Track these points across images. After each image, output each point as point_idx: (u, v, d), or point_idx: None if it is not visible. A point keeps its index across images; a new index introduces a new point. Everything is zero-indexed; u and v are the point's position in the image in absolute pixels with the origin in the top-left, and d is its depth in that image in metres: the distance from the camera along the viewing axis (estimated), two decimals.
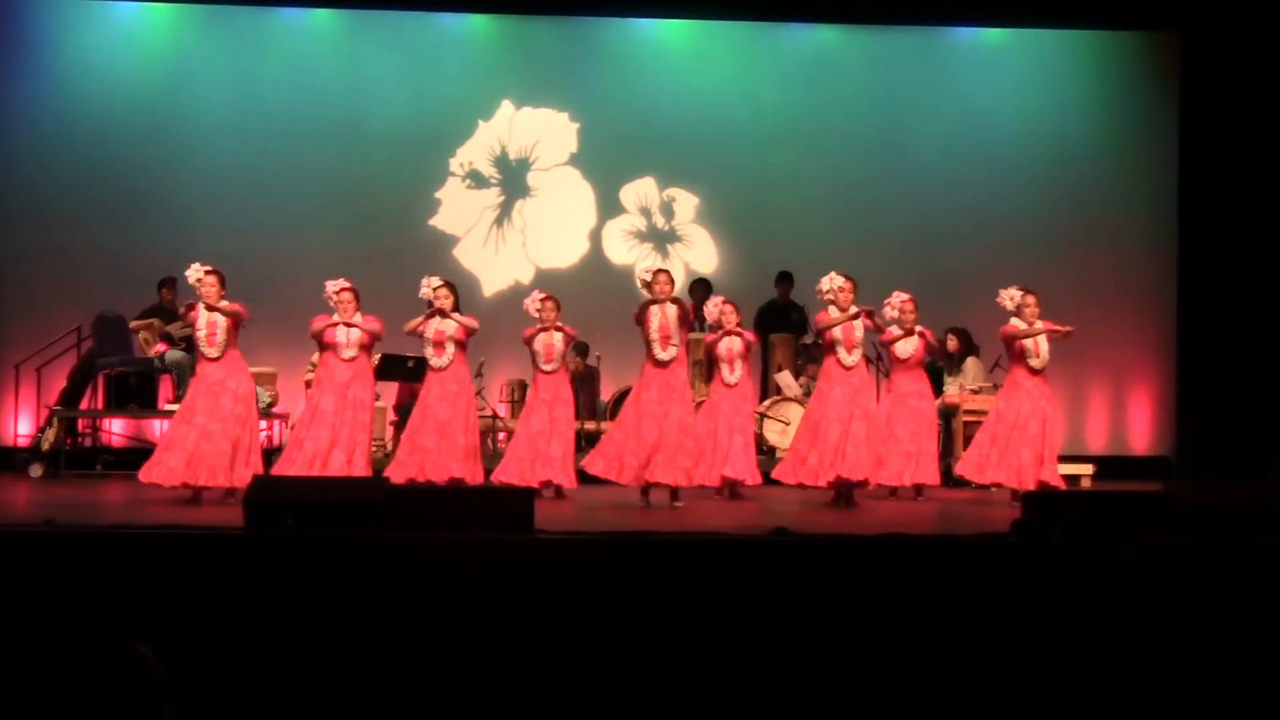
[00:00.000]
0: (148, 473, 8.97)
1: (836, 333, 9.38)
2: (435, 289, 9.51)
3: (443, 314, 9.49)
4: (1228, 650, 5.23)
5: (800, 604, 6.19)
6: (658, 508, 8.90)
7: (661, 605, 6.04)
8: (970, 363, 11.69)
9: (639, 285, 9.42)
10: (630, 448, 9.05)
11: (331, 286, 9.40)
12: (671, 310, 9.15)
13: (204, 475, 8.92)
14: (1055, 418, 9.61)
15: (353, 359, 9.31)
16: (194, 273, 9.20)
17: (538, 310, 9.68)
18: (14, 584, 6.11)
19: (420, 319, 9.51)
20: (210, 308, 9.09)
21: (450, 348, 9.47)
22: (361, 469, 9.13)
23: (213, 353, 9.09)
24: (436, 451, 9.30)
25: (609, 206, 13.18)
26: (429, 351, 9.54)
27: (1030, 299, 9.52)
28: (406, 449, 9.41)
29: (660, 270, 9.34)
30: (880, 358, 10.98)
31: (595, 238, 13.17)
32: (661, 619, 5.86)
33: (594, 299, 12.03)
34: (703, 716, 5.17)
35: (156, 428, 11.63)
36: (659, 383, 9.09)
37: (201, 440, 8.93)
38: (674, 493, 9.09)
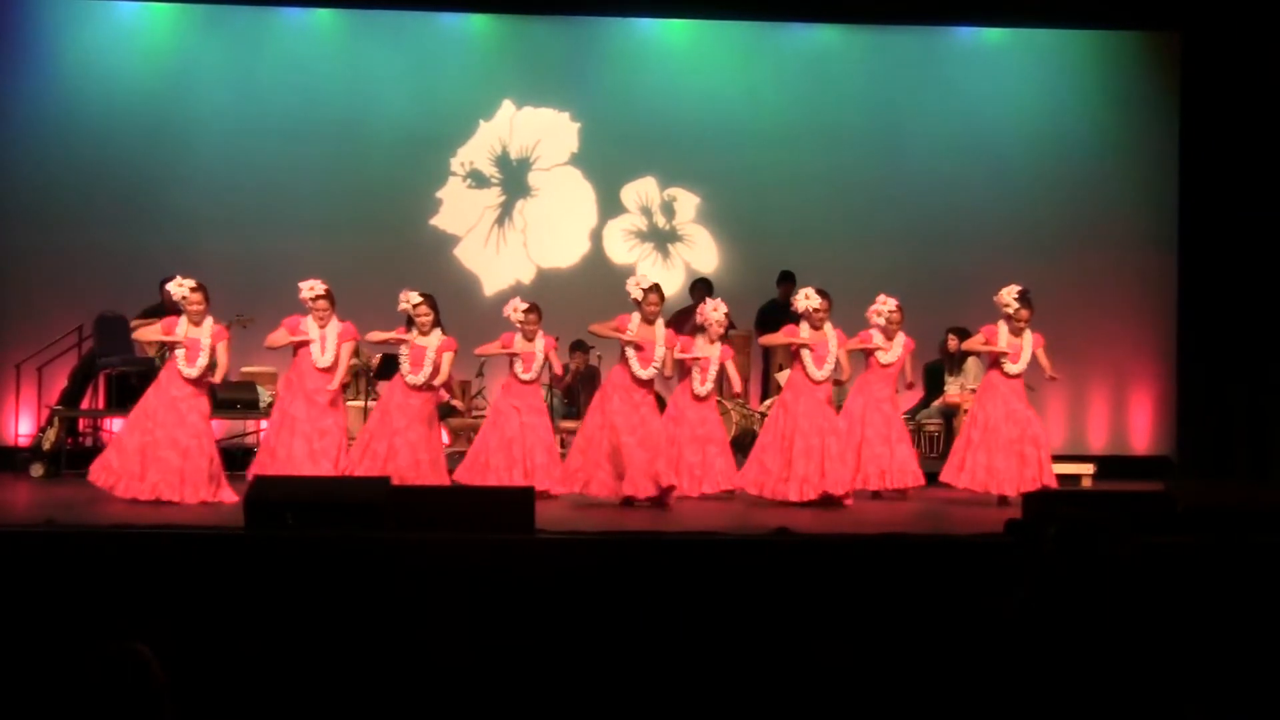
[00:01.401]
0: (98, 474, 8.89)
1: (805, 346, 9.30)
2: (415, 305, 9.24)
3: (422, 333, 9.24)
4: (1227, 650, 5.24)
5: (801, 604, 6.20)
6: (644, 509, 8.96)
7: (662, 605, 6.05)
8: (971, 363, 11.70)
9: (630, 299, 9.35)
10: (598, 460, 9.07)
11: (306, 291, 9.14)
12: (661, 331, 9.17)
13: (169, 490, 8.77)
14: (1035, 418, 9.50)
15: (327, 369, 9.10)
16: (178, 289, 9.06)
17: (520, 321, 9.55)
18: (14, 584, 6.12)
19: (392, 334, 9.31)
20: (213, 343, 9.01)
21: (428, 367, 9.20)
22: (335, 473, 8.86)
23: (191, 373, 8.95)
24: (388, 457, 9.08)
25: (610, 206, 13.17)
26: (405, 367, 9.25)
27: (1025, 313, 9.33)
28: (360, 450, 9.17)
29: (652, 290, 9.29)
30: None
31: (596, 237, 13.17)
32: (662, 619, 5.86)
33: (595, 299, 12.00)
34: (703, 716, 5.17)
35: None
36: (623, 392, 9.12)
37: (169, 454, 8.79)
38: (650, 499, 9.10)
